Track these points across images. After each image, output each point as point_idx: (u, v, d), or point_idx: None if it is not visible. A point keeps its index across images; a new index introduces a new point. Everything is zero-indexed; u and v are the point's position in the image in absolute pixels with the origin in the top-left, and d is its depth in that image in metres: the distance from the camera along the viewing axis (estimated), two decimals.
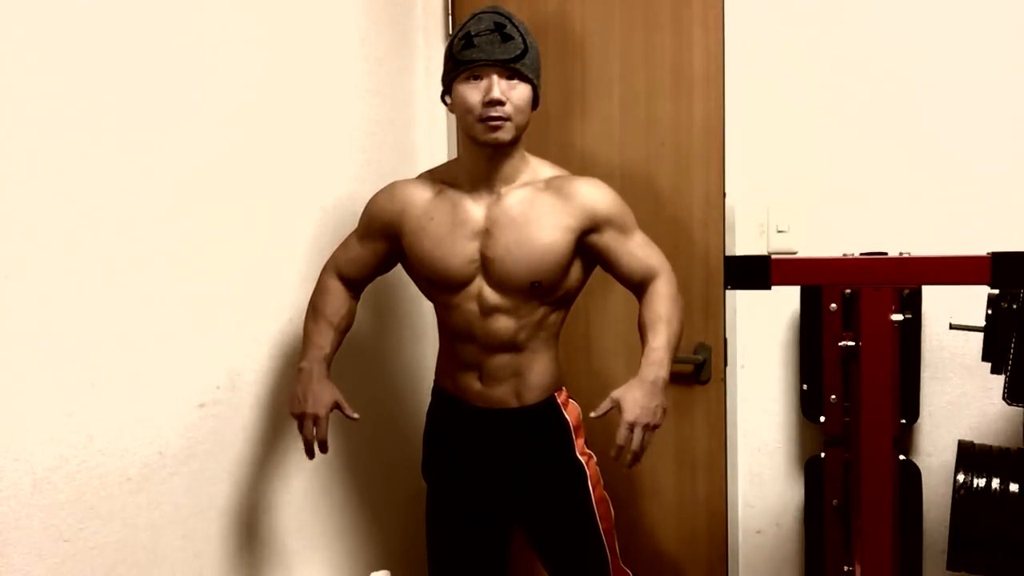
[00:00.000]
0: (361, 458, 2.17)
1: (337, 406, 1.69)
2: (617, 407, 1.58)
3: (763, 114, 2.17)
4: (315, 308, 1.81)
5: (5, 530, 1.33)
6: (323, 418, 1.67)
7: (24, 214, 1.35)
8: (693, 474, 2.28)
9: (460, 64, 1.63)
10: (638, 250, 1.72)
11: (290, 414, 1.71)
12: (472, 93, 1.63)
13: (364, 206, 1.84)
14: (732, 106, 2.18)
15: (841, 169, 2.12)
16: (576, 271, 1.75)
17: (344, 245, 1.85)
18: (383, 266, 1.85)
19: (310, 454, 1.69)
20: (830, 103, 2.12)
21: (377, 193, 1.83)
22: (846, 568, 1.87)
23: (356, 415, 1.71)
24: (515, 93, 1.63)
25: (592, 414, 1.60)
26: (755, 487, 2.27)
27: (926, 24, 2.04)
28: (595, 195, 1.71)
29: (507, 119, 1.63)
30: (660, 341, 1.63)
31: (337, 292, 1.82)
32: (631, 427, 1.56)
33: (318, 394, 1.68)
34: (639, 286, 1.73)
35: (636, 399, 1.57)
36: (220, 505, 1.76)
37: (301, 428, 1.69)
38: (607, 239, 1.71)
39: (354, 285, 1.85)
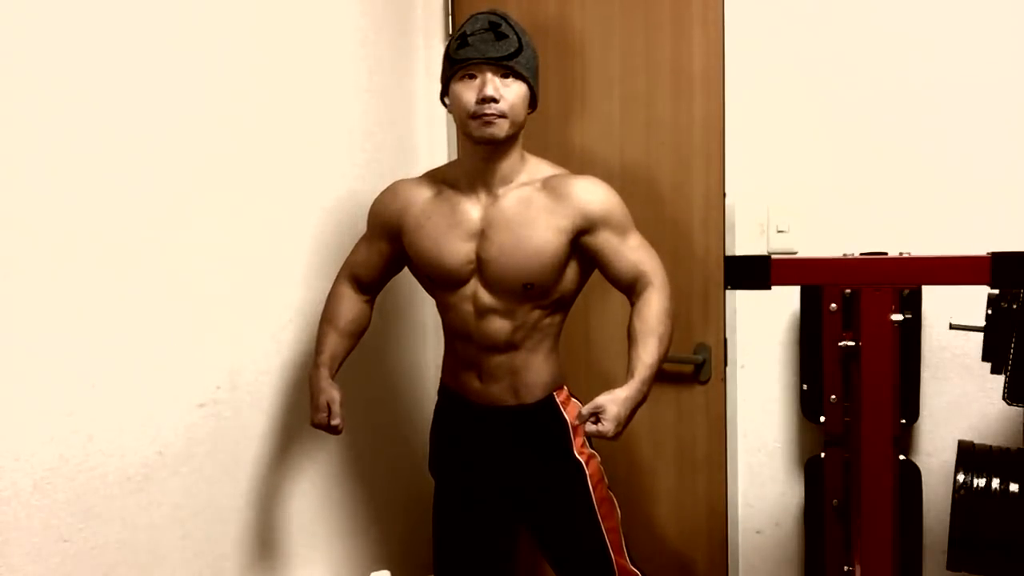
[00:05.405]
0: (362, 458, 2.17)
1: (328, 408, 1.72)
2: (598, 414, 1.54)
3: (763, 114, 2.17)
4: (324, 314, 1.84)
5: (5, 530, 1.33)
6: (336, 424, 1.73)
7: (24, 214, 1.35)
8: (693, 474, 2.28)
9: (455, 63, 1.64)
10: (631, 253, 1.69)
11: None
12: (467, 92, 1.63)
13: (366, 206, 1.85)
14: (732, 106, 2.17)
15: (841, 169, 2.12)
16: (571, 274, 1.74)
17: (355, 249, 1.87)
18: (391, 266, 1.86)
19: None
20: (830, 103, 2.11)
21: (380, 193, 1.84)
22: (846, 568, 1.87)
23: (337, 421, 1.73)
24: (509, 91, 1.64)
25: (576, 421, 1.57)
26: (755, 487, 2.26)
27: (926, 24, 2.04)
28: (590, 195, 1.69)
29: (501, 116, 1.63)
30: (652, 358, 1.61)
31: (346, 297, 1.85)
32: (598, 433, 1.54)
33: (319, 403, 1.73)
34: (630, 288, 1.69)
35: (618, 417, 1.53)
36: (220, 505, 1.76)
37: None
38: (601, 240, 1.69)
39: (366, 287, 1.86)
